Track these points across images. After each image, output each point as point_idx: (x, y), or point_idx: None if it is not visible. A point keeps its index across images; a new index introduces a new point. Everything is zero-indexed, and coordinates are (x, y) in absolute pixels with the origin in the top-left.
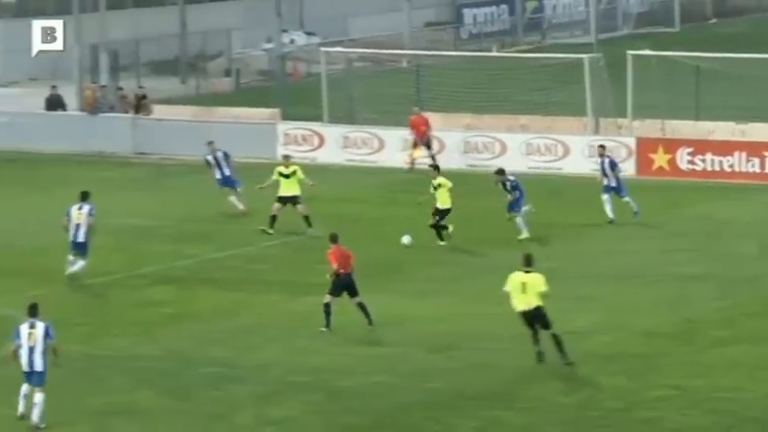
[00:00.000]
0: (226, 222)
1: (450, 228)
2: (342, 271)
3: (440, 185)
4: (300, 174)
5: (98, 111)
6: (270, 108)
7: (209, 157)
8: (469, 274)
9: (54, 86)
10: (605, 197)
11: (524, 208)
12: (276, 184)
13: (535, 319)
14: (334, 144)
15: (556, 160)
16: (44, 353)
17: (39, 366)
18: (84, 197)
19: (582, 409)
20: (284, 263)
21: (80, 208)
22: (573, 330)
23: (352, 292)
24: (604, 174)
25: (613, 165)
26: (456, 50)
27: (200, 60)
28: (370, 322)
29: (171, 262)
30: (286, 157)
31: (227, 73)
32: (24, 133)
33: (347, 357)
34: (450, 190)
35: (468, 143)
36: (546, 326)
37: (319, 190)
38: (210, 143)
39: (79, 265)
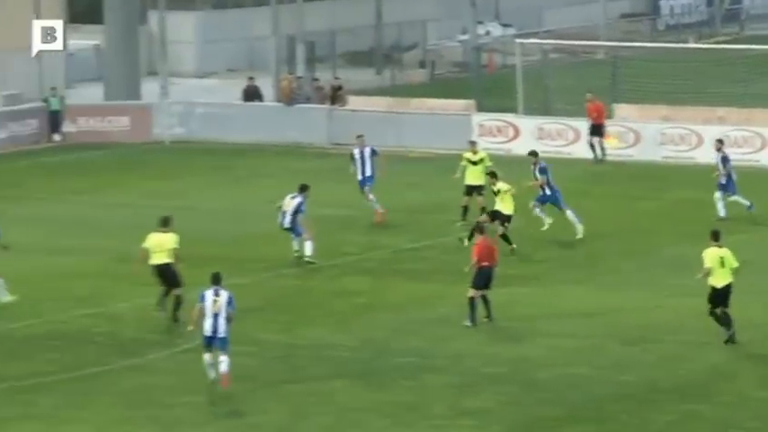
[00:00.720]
0: (420, 213)
1: (514, 246)
2: (485, 263)
3: (499, 191)
4: (488, 161)
5: (294, 102)
6: (465, 99)
7: (356, 152)
8: (660, 265)
9: (251, 77)
10: (718, 195)
11: (576, 220)
12: (463, 171)
13: (725, 295)
14: (529, 135)
15: (753, 152)
16: (227, 319)
17: (222, 332)
18: (302, 189)
19: None
20: None
21: (293, 197)
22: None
23: (487, 284)
24: (720, 170)
25: (725, 160)
26: (653, 42)
27: (396, 51)
28: (489, 316)
29: (366, 252)
30: (472, 143)
31: (422, 64)
32: (221, 124)
33: (542, 349)
34: (513, 195)
35: (665, 135)
36: (727, 303)
37: (517, 182)
38: (359, 137)
39: (306, 246)
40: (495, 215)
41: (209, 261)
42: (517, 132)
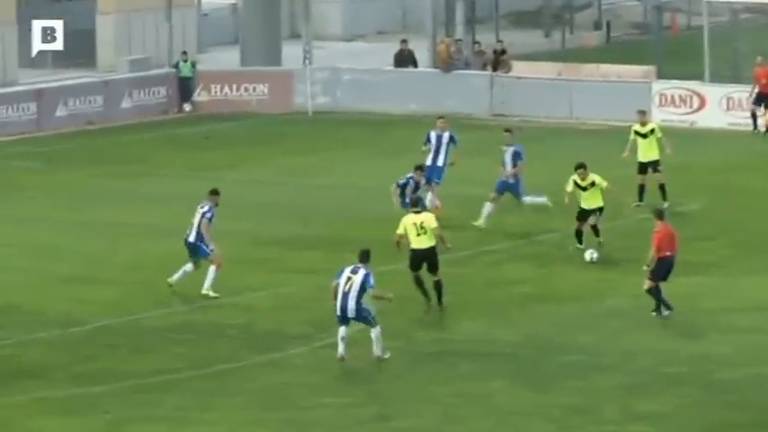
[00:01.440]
0: None
1: (601, 240)
2: (667, 253)
3: (593, 184)
4: (659, 132)
5: (452, 67)
6: (644, 65)
7: (433, 135)
8: None
9: (404, 41)
10: None
11: (539, 199)
12: (634, 146)
13: None
14: (716, 106)
15: None
16: (358, 301)
17: (351, 313)
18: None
19: None
20: None
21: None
22: None
23: (666, 276)
24: None
25: None
26: None
27: (566, 11)
28: (657, 310)
29: (529, 237)
30: (642, 113)
31: (597, 26)
32: (370, 92)
33: (726, 346)
34: (603, 190)
35: None
36: None
37: (699, 158)
38: (441, 118)
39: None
40: (587, 214)
41: (352, 244)
42: (703, 102)
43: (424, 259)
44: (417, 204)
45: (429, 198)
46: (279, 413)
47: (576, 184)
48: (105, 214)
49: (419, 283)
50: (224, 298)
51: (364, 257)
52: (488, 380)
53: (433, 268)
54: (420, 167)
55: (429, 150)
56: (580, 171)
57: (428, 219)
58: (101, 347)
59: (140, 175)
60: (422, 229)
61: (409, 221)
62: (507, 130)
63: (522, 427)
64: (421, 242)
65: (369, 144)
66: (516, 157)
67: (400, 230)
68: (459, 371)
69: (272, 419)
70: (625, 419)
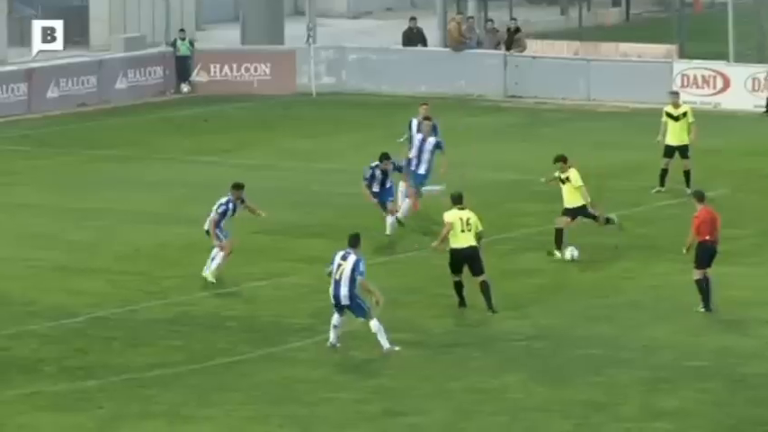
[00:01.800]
0: (611, 178)
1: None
2: (708, 238)
3: (568, 179)
4: (691, 116)
5: (464, 46)
6: (665, 44)
7: (414, 123)
8: None
9: (413, 18)
10: None
11: (435, 188)
12: (665, 128)
13: None
14: (741, 87)
15: None
16: (351, 287)
17: (344, 300)
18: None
19: None
20: (681, 226)
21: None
22: None
23: (710, 263)
24: None
25: None
26: None
27: None
28: (706, 306)
29: (545, 224)
30: (674, 95)
31: (615, 2)
32: (378, 72)
33: (753, 339)
34: (579, 188)
35: None
36: None
37: (723, 141)
38: (424, 104)
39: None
40: (570, 213)
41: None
42: (727, 83)
43: (466, 260)
44: (461, 200)
45: (401, 190)
46: (281, 409)
47: (557, 176)
48: (99, 201)
49: (458, 288)
50: (223, 288)
51: (354, 242)
52: (502, 374)
53: (477, 269)
54: (386, 155)
55: (409, 138)
56: (559, 164)
57: (473, 216)
58: (94, 340)
59: (136, 160)
60: (467, 226)
61: (455, 216)
62: (426, 119)
63: (537, 423)
64: (464, 240)
65: (376, 127)
66: (438, 147)
67: (449, 220)
68: (471, 365)
69: (274, 415)
70: (645, 416)
